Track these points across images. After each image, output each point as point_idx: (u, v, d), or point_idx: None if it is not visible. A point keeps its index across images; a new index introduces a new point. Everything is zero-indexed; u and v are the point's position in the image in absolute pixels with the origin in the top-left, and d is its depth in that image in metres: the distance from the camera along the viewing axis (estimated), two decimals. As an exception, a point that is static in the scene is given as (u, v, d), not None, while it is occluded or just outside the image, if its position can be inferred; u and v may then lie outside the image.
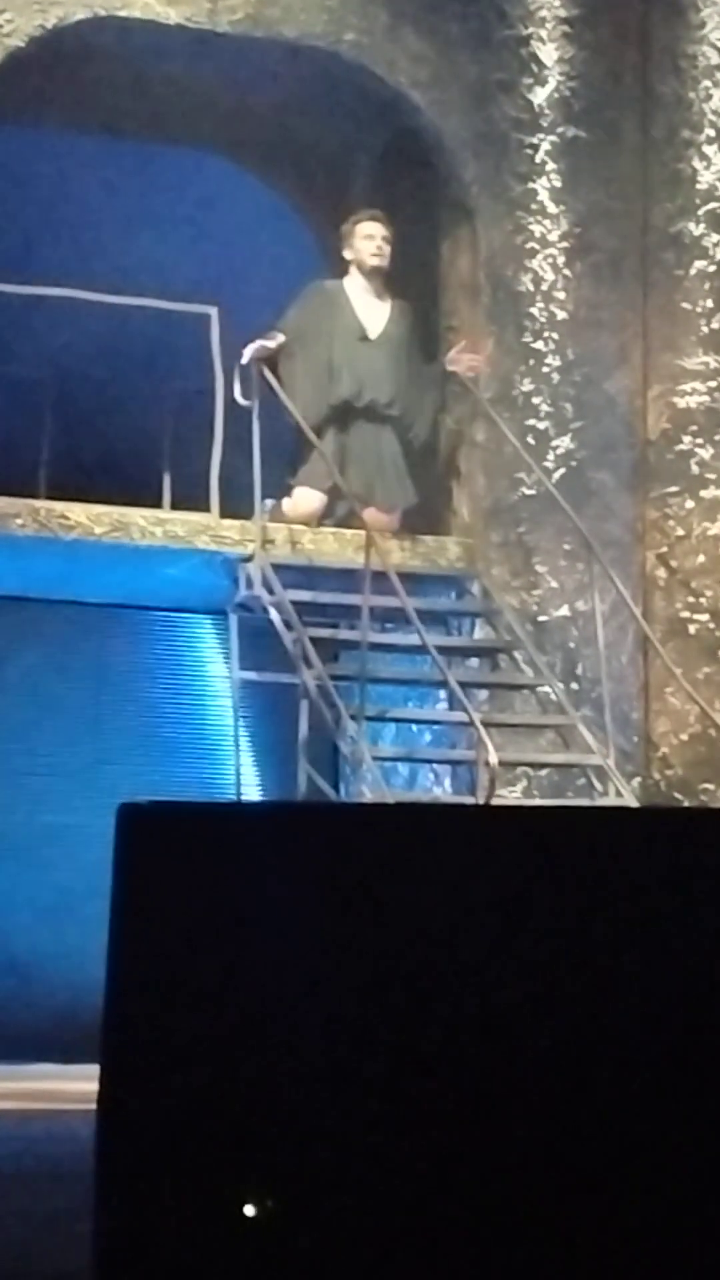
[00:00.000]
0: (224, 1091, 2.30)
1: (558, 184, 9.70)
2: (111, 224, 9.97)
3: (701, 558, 9.69)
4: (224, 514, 9.03)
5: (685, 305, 9.76)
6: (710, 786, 9.54)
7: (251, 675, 8.97)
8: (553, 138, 9.72)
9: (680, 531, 9.71)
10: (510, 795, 9.04)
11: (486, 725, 8.36)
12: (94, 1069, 2.40)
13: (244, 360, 8.94)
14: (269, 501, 9.04)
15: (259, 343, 8.98)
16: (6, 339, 9.36)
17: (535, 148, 9.70)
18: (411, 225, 9.87)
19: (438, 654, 8.53)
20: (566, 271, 9.68)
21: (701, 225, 9.78)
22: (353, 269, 9.33)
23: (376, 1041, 2.31)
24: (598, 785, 8.82)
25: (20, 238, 9.70)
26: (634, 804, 8.72)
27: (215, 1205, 2.29)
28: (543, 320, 9.64)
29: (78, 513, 8.91)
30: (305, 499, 9.11)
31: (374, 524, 8.93)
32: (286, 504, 9.12)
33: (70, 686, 9.85)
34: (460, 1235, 2.28)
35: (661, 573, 9.70)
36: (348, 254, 9.32)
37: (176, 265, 9.77)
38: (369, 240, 9.29)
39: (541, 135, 9.70)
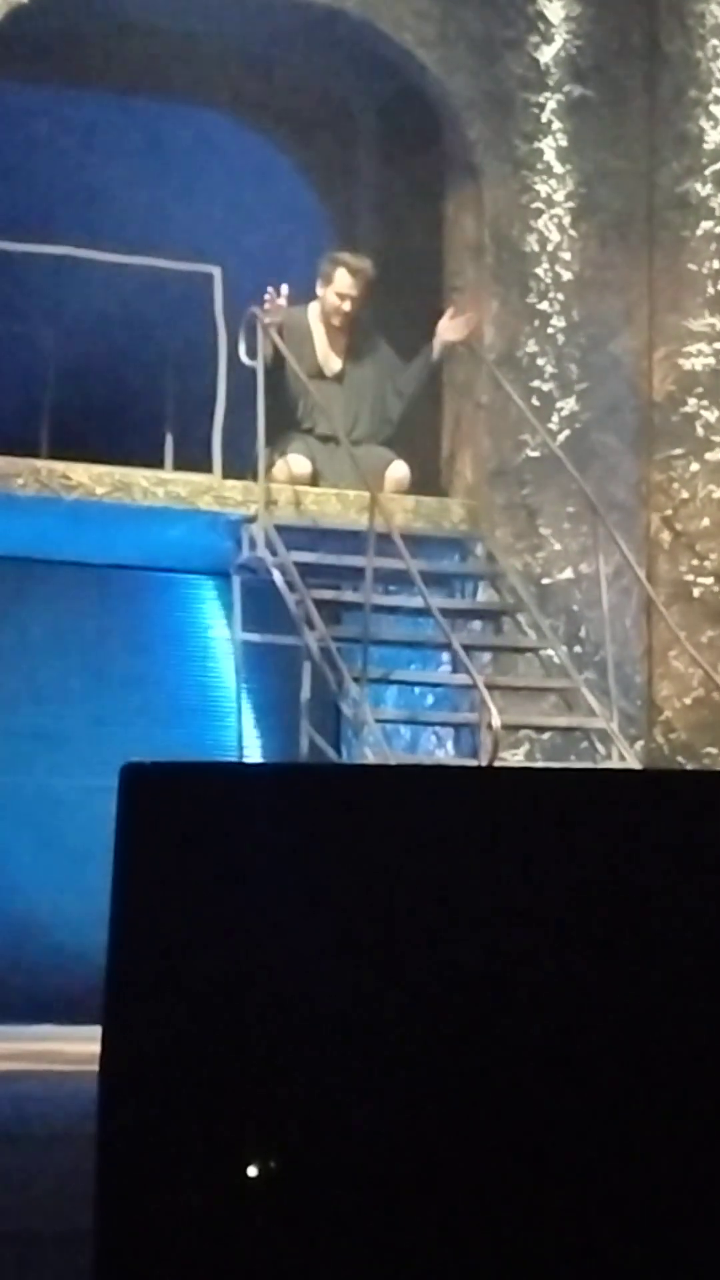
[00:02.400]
0: (226, 1052, 2.29)
1: (564, 143, 9.66)
2: (114, 182, 9.92)
3: (706, 520, 9.66)
4: (227, 475, 9.00)
5: (691, 266, 9.72)
6: (713, 750, 9.53)
7: (254, 637, 8.96)
8: (559, 97, 9.67)
9: (685, 494, 9.69)
10: (513, 758, 9.03)
11: (489, 688, 8.35)
12: (97, 1030, 2.39)
13: (265, 320, 8.84)
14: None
15: (271, 301, 8.89)
16: (8, 297, 9.32)
17: (541, 107, 9.64)
18: (415, 184, 9.82)
19: (441, 616, 8.52)
20: (572, 232, 9.64)
21: (708, 186, 9.73)
22: (318, 303, 9.23)
23: (379, 1002, 2.30)
24: (600, 749, 8.81)
25: (22, 196, 9.65)
26: (637, 767, 8.72)
27: (217, 1166, 2.28)
28: (548, 281, 9.60)
29: (79, 473, 8.88)
30: (295, 463, 9.09)
31: (388, 483, 8.96)
32: (277, 470, 9.08)
33: (71, 647, 9.83)
34: (465, 1195, 2.28)
35: (666, 535, 9.68)
36: (319, 289, 9.21)
37: (179, 224, 9.73)
38: (340, 299, 9.14)
39: (548, 94, 9.65)
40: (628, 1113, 2.28)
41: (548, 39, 9.67)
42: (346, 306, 9.18)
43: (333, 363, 9.28)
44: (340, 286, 9.17)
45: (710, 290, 9.72)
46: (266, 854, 2.33)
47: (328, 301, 9.20)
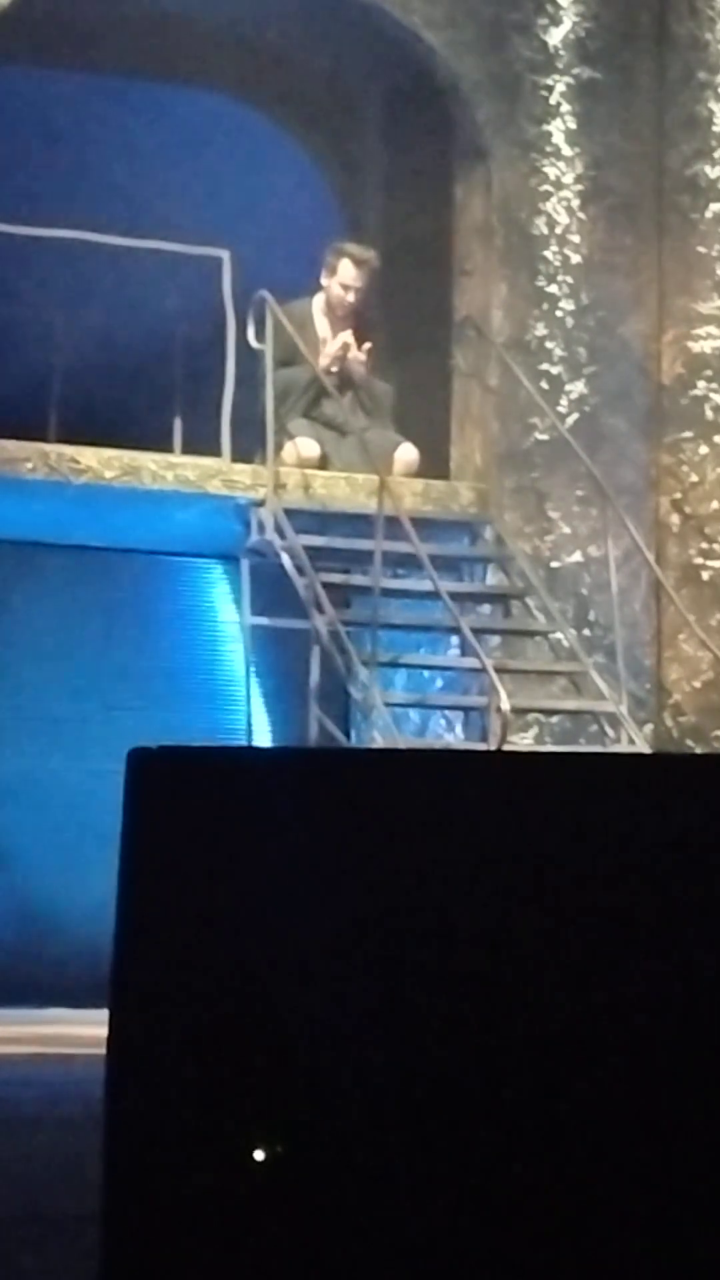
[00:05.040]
0: (233, 1036, 2.29)
1: (572, 126, 9.64)
2: (123, 166, 9.91)
3: (715, 504, 9.66)
4: (235, 458, 9.00)
5: (701, 249, 9.71)
6: (723, 733, 9.53)
7: (263, 620, 8.96)
8: (568, 79, 9.65)
9: (694, 477, 9.68)
10: (522, 742, 9.03)
11: (499, 671, 8.35)
12: (104, 1014, 2.39)
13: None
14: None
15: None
16: (17, 282, 9.31)
17: (550, 89, 9.63)
18: (424, 167, 9.81)
19: (450, 600, 8.51)
20: (581, 215, 9.63)
21: (718, 168, 9.71)
22: (322, 294, 9.21)
23: (387, 986, 2.30)
24: (610, 732, 8.81)
25: (31, 180, 9.64)
26: (646, 751, 8.72)
27: (225, 1150, 2.28)
28: (557, 264, 9.59)
29: (88, 457, 8.88)
30: (304, 447, 9.08)
31: (396, 466, 8.96)
32: (285, 453, 9.07)
33: (81, 632, 9.84)
34: (475, 1179, 2.28)
35: (675, 519, 9.67)
36: (323, 280, 9.20)
37: (188, 208, 9.71)
38: (344, 289, 9.13)
39: (556, 77, 9.63)
40: (638, 1097, 2.28)
41: (556, 21, 9.64)
42: (350, 298, 9.17)
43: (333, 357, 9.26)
44: (344, 278, 9.16)
45: (719, 273, 9.71)
46: (274, 838, 2.33)
47: (332, 292, 9.18)
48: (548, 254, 9.59)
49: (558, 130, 9.65)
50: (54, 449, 8.91)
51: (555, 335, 9.57)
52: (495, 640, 9.16)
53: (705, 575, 9.63)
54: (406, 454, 9.25)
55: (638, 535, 9.20)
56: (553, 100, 9.64)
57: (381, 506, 8.50)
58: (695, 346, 9.70)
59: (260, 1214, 2.27)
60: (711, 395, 9.70)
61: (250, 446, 9.11)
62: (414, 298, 9.70)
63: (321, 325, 9.25)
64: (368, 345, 9.17)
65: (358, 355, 9.13)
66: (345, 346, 9.08)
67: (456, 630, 8.67)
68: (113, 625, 9.89)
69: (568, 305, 9.59)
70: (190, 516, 9.17)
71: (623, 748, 8.62)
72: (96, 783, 8.77)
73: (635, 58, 9.76)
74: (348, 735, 9.21)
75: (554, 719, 9.24)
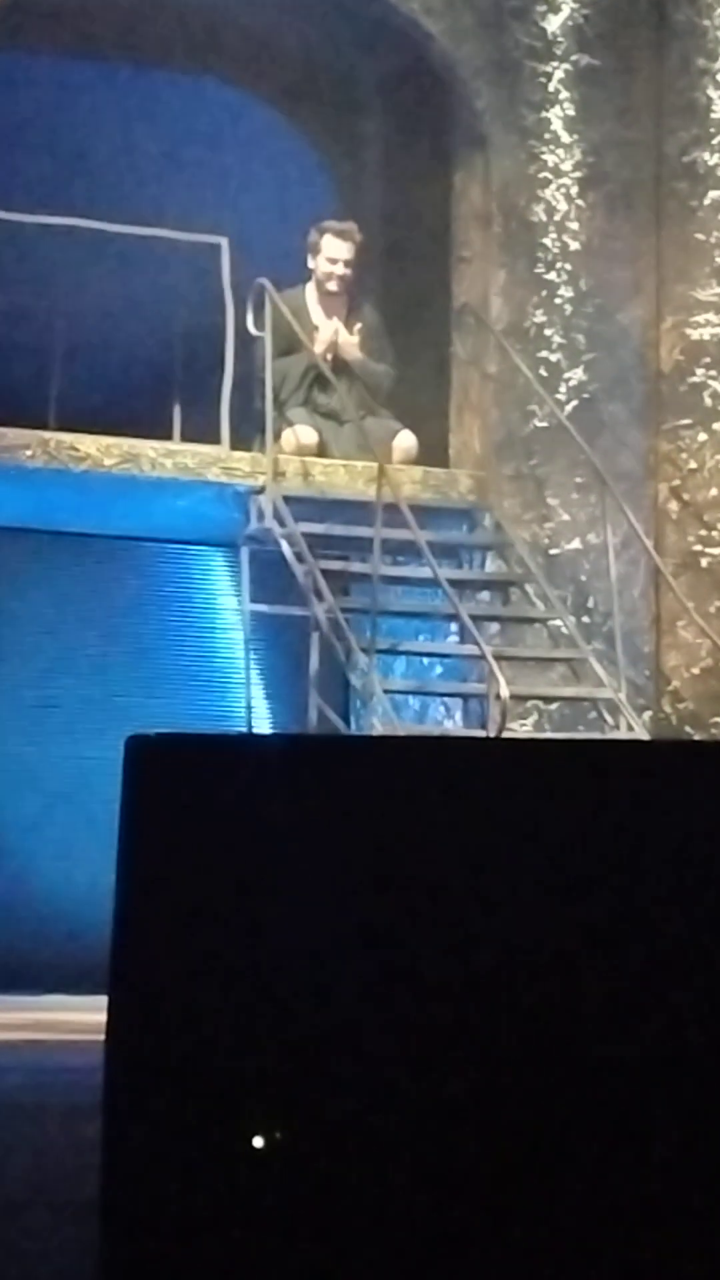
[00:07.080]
0: (232, 1023, 2.30)
1: (571, 113, 9.63)
2: (121, 153, 9.90)
3: (714, 491, 9.66)
4: (235, 446, 9.00)
5: (699, 236, 9.70)
6: (721, 720, 9.54)
7: (262, 608, 8.96)
8: (566, 66, 9.63)
9: (693, 464, 9.68)
10: (521, 729, 9.03)
11: (498, 658, 8.36)
12: (103, 1000, 2.39)
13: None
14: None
15: None
16: (16, 269, 9.30)
17: (548, 76, 9.61)
18: (423, 154, 9.80)
19: (449, 587, 8.52)
20: (579, 202, 9.62)
21: (716, 155, 9.70)
22: (313, 280, 9.21)
23: (386, 973, 2.30)
24: (609, 719, 8.82)
25: (29, 167, 9.63)
26: (645, 737, 8.72)
27: (222, 1136, 2.29)
28: (555, 251, 9.58)
29: (87, 444, 8.88)
30: (302, 434, 9.08)
31: (395, 453, 8.96)
32: (284, 440, 9.07)
33: (80, 619, 9.84)
34: (470, 1168, 2.28)
35: (674, 506, 9.67)
36: (310, 264, 9.19)
37: (187, 195, 9.70)
38: (331, 264, 9.12)
39: (555, 63, 9.62)
40: (640, 1081, 2.29)
41: (555, 8, 9.63)
42: (339, 270, 9.16)
43: (328, 339, 9.25)
44: (330, 252, 9.16)
45: (718, 260, 9.70)
46: (273, 825, 2.33)
47: (320, 270, 9.18)
48: (546, 241, 9.58)
49: (556, 117, 9.63)
50: (53, 436, 8.90)
51: (554, 322, 9.57)
52: (494, 627, 9.16)
53: (704, 562, 9.63)
54: (405, 441, 9.25)
55: (636, 522, 9.19)
56: (551, 87, 9.63)
57: (380, 494, 8.50)
58: (694, 333, 9.69)
59: (258, 1200, 2.28)
60: (710, 382, 9.70)
61: (249, 434, 9.11)
62: (413, 285, 9.69)
63: (315, 310, 9.25)
64: (359, 326, 9.18)
65: (350, 340, 9.14)
66: (335, 333, 9.10)
67: (455, 617, 8.67)
68: (111, 613, 9.89)
69: (566, 292, 9.59)
70: (189, 504, 9.17)
71: (622, 734, 8.62)
72: (95, 769, 8.78)
73: (634, 44, 9.74)
74: (347, 722, 9.21)
75: (553, 706, 9.24)
